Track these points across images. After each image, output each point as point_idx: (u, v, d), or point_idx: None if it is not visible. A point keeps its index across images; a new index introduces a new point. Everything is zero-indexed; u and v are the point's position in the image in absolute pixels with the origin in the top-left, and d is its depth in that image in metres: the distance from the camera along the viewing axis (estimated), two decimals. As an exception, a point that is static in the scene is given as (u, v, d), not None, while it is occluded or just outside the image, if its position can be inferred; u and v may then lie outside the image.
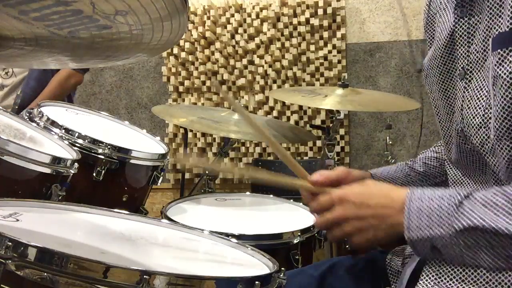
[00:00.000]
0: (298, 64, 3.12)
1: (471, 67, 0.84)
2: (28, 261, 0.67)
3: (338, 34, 3.07)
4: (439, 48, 0.91)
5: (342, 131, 3.09)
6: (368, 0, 3.12)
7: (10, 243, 0.67)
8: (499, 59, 0.76)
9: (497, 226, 0.71)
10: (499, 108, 0.76)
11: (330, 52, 3.08)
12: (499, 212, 0.72)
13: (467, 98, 0.84)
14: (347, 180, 0.96)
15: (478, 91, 0.82)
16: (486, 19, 0.80)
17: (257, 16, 3.14)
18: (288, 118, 3.11)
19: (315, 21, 3.06)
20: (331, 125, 2.17)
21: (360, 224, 0.85)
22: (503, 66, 0.75)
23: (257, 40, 3.14)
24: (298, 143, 3.05)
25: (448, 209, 0.76)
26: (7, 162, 1.07)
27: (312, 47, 3.08)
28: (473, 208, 0.74)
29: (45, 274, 0.67)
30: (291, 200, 1.70)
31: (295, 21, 3.10)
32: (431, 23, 0.98)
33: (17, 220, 0.86)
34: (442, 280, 0.82)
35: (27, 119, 1.44)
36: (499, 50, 0.76)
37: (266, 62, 3.14)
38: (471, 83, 0.84)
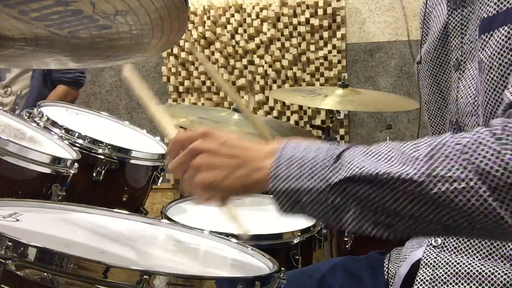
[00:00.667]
0: (298, 64, 3.11)
1: (464, 58, 0.84)
2: (28, 261, 0.67)
3: (338, 34, 3.07)
4: (433, 42, 0.92)
5: (342, 131, 3.09)
6: (368, 0, 3.12)
7: (10, 243, 0.67)
8: (482, 44, 0.76)
9: (377, 171, 0.64)
10: (482, 93, 0.76)
11: (330, 52, 3.07)
12: (381, 158, 0.66)
13: (461, 89, 0.84)
14: None
15: (470, 80, 0.82)
16: (477, 8, 0.80)
17: (257, 16, 3.14)
18: (288, 118, 3.10)
19: (315, 21, 3.05)
20: (331, 125, 2.18)
21: (214, 160, 0.74)
22: (484, 50, 0.75)
23: (257, 40, 3.14)
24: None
25: (324, 161, 0.67)
26: (7, 162, 1.08)
27: (312, 47, 3.07)
28: (352, 159, 0.67)
29: (45, 274, 0.67)
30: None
31: (295, 21, 3.09)
32: (427, 20, 0.98)
33: (17, 220, 0.86)
34: (436, 285, 0.83)
35: (27, 119, 1.45)
36: (481, 36, 0.76)
37: (266, 62, 3.14)
38: (464, 73, 0.84)
